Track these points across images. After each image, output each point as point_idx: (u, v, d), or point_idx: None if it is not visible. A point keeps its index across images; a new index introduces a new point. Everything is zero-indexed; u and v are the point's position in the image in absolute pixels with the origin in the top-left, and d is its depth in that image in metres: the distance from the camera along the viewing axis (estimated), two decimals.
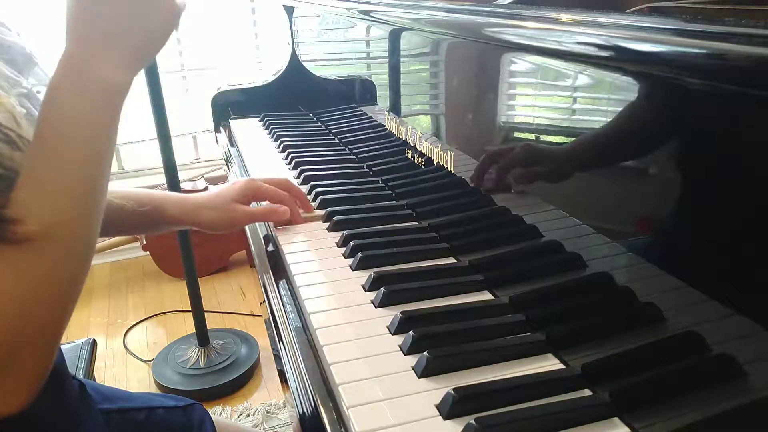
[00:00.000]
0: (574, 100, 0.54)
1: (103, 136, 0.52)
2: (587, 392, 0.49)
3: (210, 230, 0.81)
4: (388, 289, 0.64)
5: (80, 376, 1.01)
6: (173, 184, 1.65)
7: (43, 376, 0.49)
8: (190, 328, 1.90)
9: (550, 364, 0.53)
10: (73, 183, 0.49)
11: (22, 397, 0.48)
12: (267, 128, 1.37)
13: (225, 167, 1.33)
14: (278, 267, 0.76)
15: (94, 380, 0.96)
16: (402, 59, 0.91)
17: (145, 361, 1.94)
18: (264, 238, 0.84)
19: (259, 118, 1.46)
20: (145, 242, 2.37)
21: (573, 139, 0.54)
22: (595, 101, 0.52)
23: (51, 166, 0.49)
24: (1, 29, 0.59)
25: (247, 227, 0.89)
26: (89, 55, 0.51)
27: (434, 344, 0.54)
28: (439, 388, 0.50)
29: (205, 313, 1.86)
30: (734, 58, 0.34)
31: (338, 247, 0.78)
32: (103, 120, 0.51)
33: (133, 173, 2.57)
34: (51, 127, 0.49)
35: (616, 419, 0.46)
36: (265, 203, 0.87)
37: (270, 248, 0.81)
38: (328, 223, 0.84)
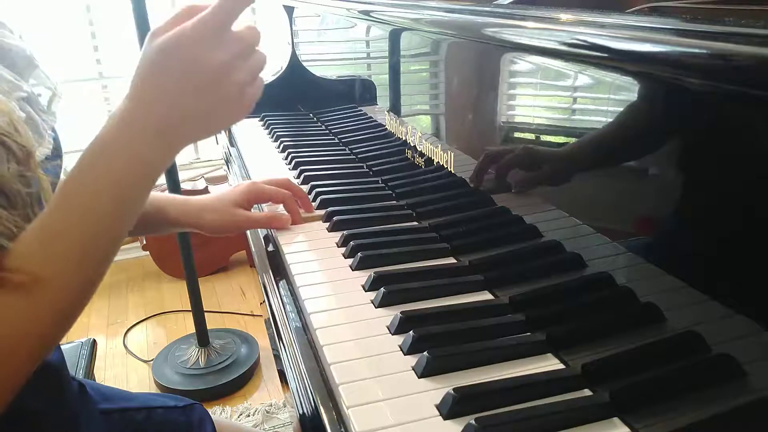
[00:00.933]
0: (574, 100, 0.54)
1: (128, 209, 0.51)
2: (587, 392, 0.49)
3: (211, 233, 0.81)
4: (388, 289, 0.64)
5: (80, 376, 1.01)
6: (173, 184, 1.65)
7: (7, 398, 0.48)
8: (190, 328, 1.90)
9: (550, 364, 0.53)
10: (84, 248, 0.48)
11: None
12: (267, 128, 1.37)
13: (225, 167, 1.33)
14: (278, 267, 0.76)
15: (94, 380, 0.96)
16: (402, 59, 0.91)
17: (145, 361, 1.94)
18: (264, 238, 0.84)
19: (258, 118, 1.46)
20: (145, 242, 2.37)
21: (573, 139, 0.54)
22: (595, 101, 0.52)
23: (68, 223, 0.48)
24: (3, 32, 0.59)
25: None
26: (138, 122, 0.50)
27: (434, 344, 0.54)
28: (439, 388, 0.50)
29: (205, 313, 1.86)
30: (734, 58, 0.34)
31: (338, 247, 0.78)
32: (130, 195, 0.51)
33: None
34: (80, 185, 0.49)
35: (616, 419, 0.46)
36: (266, 206, 0.87)
37: (270, 248, 0.81)
38: (328, 223, 0.84)
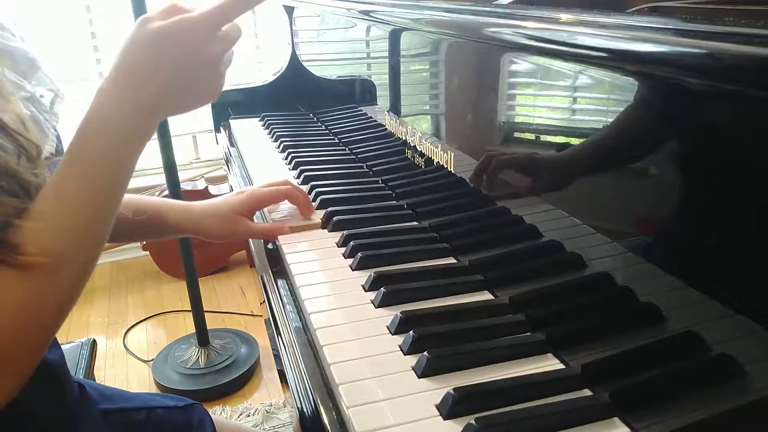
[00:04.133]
0: (574, 100, 0.54)
1: (121, 171, 0.55)
2: (587, 392, 0.49)
3: (210, 239, 0.81)
4: (388, 289, 0.64)
5: (80, 376, 1.02)
6: (173, 184, 1.65)
7: (18, 385, 0.49)
8: (190, 328, 1.90)
9: (550, 364, 0.53)
10: (86, 218, 0.51)
11: None
12: (267, 128, 1.37)
13: (225, 167, 1.33)
14: (278, 267, 0.76)
15: (94, 380, 0.96)
16: (402, 59, 0.91)
17: (145, 361, 1.94)
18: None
19: (259, 118, 1.46)
20: (145, 242, 2.37)
21: (573, 139, 0.54)
22: (595, 101, 0.52)
23: (72, 196, 0.51)
24: (5, 34, 0.59)
25: None
26: (131, 97, 0.54)
27: (434, 344, 0.54)
28: (439, 388, 0.50)
29: (205, 313, 1.86)
30: (734, 58, 0.34)
31: (338, 247, 0.78)
32: (122, 157, 0.54)
33: (133, 173, 2.57)
34: (81, 156, 0.52)
35: (616, 419, 0.46)
36: (267, 210, 0.87)
37: (270, 248, 0.81)
38: (327, 227, 0.84)
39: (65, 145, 0.62)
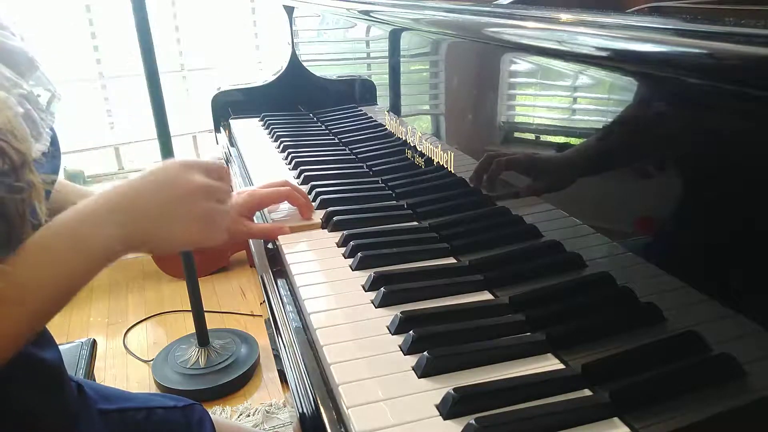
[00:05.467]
0: (574, 100, 0.54)
1: (95, 272, 0.56)
2: (587, 392, 0.49)
3: None
4: (388, 289, 0.64)
5: (80, 376, 1.01)
6: None
7: None
8: (190, 328, 1.90)
9: (550, 364, 0.53)
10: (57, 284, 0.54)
11: None
12: (267, 128, 1.37)
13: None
14: (278, 267, 0.76)
15: (94, 380, 0.96)
16: (402, 59, 0.91)
17: (145, 361, 1.94)
18: None
19: (259, 118, 1.46)
20: None
21: (573, 139, 0.54)
22: (595, 101, 0.52)
23: (45, 270, 0.53)
24: (5, 33, 0.59)
25: None
26: (118, 225, 0.57)
27: (434, 344, 0.54)
28: (439, 388, 0.50)
29: (205, 313, 1.86)
30: (734, 58, 0.34)
31: (338, 247, 0.78)
32: (98, 268, 0.56)
33: (133, 173, 2.56)
34: (56, 240, 0.54)
35: (616, 419, 0.46)
36: (267, 210, 0.87)
37: (270, 248, 0.81)
38: (327, 226, 0.84)
39: (60, 145, 0.62)
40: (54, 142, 0.61)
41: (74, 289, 0.56)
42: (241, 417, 1.68)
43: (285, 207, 0.89)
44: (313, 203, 0.90)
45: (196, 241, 0.62)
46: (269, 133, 1.34)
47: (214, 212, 0.62)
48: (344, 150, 1.17)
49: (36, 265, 0.53)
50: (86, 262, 0.55)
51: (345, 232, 0.79)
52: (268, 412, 1.69)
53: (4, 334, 0.51)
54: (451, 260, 0.73)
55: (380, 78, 1.02)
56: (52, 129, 0.61)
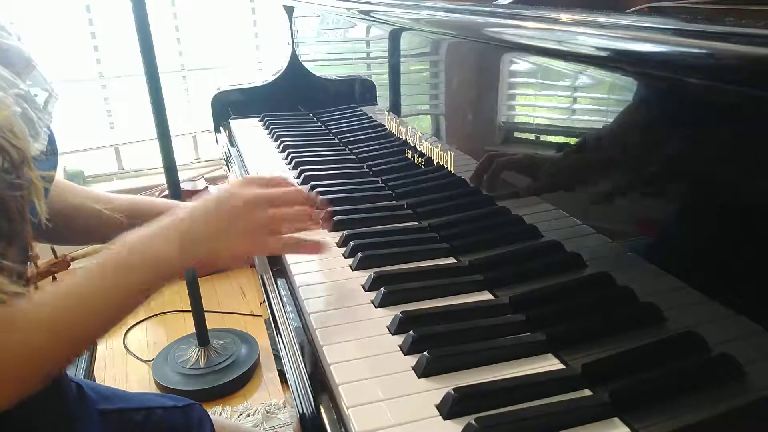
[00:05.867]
0: (574, 100, 0.54)
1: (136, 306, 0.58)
2: (587, 392, 0.49)
3: None
4: (388, 289, 0.64)
5: (80, 377, 1.01)
6: (173, 184, 1.65)
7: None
8: (190, 328, 1.90)
9: (550, 364, 0.53)
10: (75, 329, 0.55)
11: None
12: (267, 128, 1.37)
13: (225, 167, 1.33)
14: (278, 267, 0.76)
15: (94, 380, 0.96)
16: (402, 59, 0.91)
17: (145, 361, 1.94)
18: None
19: (259, 118, 1.46)
20: None
21: (573, 139, 0.54)
22: (595, 101, 0.52)
23: (78, 310, 0.54)
24: (1, 33, 0.59)
25: None
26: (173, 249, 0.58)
27: (434, 344, 0.54)
28: (439, 388, 0.50)
29: (205, 313, 1.86)
30: (734, 58, 0.34)
31: (338, 247, 0.78)
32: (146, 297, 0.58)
33: (133, 173, 2.57)
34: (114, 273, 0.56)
35: (616, 419, 0.46)
36: None
37: None
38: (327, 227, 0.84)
39: (60, 144, 0.63)
40: (51, 141, 0.61)
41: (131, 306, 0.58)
42: (241, 417, 1.68)
43: None
44: None
45: (247, 250, 0.63)
46: (269, 133, 1.34)
47: (265, 222, 0.62)
48: (344, 150, 1.17)
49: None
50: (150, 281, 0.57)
51: (345, 232, 0.79)
52: (268, 412, 1.69)
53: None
54: (451, 260, 0.73)
55: (380, 78, 1.02)
56: (49, 128, 0.61)
